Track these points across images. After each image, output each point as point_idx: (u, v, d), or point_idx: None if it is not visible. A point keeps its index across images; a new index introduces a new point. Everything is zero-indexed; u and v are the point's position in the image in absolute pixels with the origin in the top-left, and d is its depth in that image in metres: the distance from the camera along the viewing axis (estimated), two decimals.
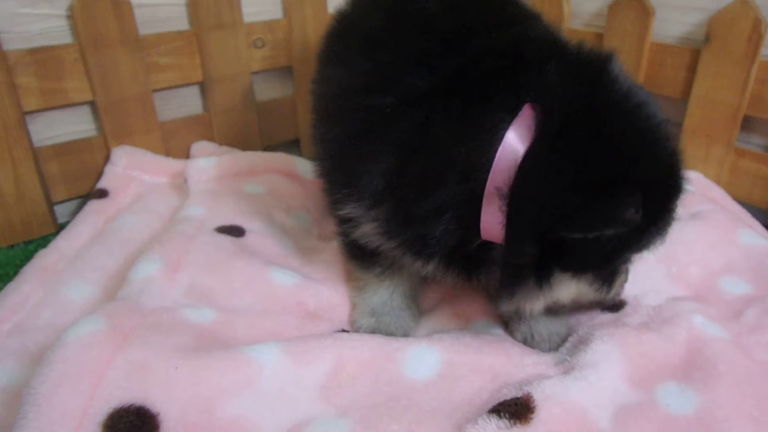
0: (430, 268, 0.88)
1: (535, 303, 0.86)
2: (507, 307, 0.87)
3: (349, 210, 0.90)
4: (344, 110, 0.89)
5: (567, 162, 0.73)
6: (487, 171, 0.76)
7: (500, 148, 0.75)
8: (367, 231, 0.91)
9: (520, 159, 0.74)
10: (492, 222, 0.77)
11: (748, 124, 1.46)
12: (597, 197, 0.71)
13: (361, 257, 1.02)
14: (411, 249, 0.86)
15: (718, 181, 1.50)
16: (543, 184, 0.73)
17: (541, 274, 0.80)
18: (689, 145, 1.54)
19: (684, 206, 1.34)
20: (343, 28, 1.06)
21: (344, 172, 0.90)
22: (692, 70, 1.49)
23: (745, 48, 1.37)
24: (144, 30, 1.46)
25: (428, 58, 0.82)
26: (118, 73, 1.44)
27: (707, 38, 1.43)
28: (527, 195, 0.74)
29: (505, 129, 0.76)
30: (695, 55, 1.48)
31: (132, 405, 0.76)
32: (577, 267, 0.80)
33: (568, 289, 0.85)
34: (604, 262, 0.83)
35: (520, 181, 0.74)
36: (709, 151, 1.51)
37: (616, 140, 0.75)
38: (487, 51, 0.81)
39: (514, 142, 0.76)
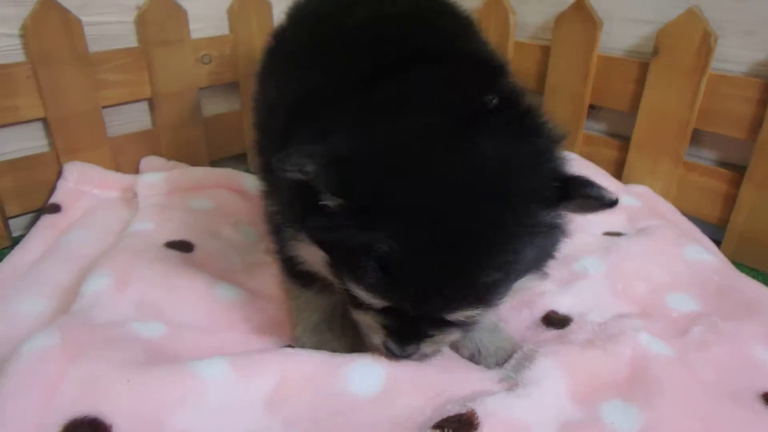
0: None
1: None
2: None
3: None
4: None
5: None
6: None
7: None
8: None
9: None
10: None
11: (697, 137, 1.46)
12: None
13: (298, 276, 1.01)
14: None
15: (666, 195, 1.51)
16: None
17: None
18: (637, 158, 1.54)
19: (631, 221, 1.39)
20: (277, 45, 1.10)
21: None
22: (640, 82, 1.49)
23: (695, 61, 1.37)
24: (94, 47, 1.47)
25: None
26: (69, 89, 1.45)
27: (655, 51, 1.43)
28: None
29: None
30: (643, 67, 1.48)
31: (86, 417, 0.78)
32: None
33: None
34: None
35: None
36: (656, 165, 1.51)
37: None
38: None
39: None
